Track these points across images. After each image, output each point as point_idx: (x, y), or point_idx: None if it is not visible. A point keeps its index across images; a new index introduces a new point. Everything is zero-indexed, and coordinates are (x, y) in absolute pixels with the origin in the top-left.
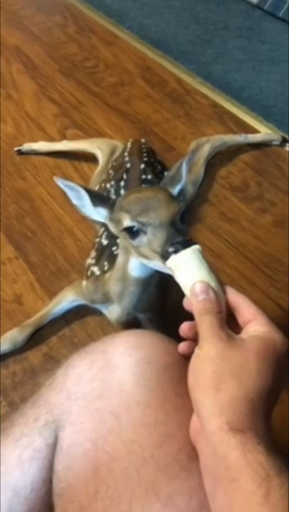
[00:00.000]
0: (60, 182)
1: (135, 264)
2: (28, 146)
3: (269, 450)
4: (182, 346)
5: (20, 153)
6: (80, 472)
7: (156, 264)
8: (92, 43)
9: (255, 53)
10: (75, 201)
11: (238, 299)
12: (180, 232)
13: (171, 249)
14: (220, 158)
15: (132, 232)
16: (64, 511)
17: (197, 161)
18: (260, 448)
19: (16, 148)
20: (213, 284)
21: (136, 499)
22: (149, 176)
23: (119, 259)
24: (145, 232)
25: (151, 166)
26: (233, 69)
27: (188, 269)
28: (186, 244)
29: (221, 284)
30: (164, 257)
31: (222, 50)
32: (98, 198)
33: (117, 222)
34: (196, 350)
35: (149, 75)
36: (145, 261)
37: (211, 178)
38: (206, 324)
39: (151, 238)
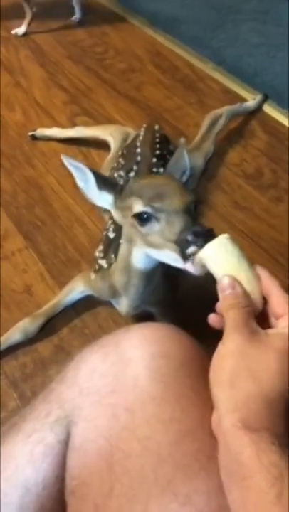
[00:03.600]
0: (66, 161)
1: (138, 255)
2: (41, 131)
3: (286, 450)
4: (212, 317)
5: (34, 138)
6: (94, 470)
7: (167, 254)
8: (101, 28)
9: (270, 37)
10: (80, 183)
11: (269, 286)
12: (196, 221)
13: (190, 238)
14: (232, 145)
15: (142, 219)
16: (77, 509)
17: (209, 135)
18: (275, 448)
19: (29, 133)
20: (242, 274)
21: (152, 498)
22: (161, 170)
23: (122, 250)
24: (158, 219)
25: (163, 159)
26: (247, 53)
27: (216, 262)
28: (208, 235)
29: (255, 267)
30: (181, 245)
31: (235, 34)
32: (104, 182)
33: (126, 208)
34: (219, 345)
35: (159, 61)
36: (153, 251)
37: (223, 166)
38: (230, 319)
39: (165, 226)
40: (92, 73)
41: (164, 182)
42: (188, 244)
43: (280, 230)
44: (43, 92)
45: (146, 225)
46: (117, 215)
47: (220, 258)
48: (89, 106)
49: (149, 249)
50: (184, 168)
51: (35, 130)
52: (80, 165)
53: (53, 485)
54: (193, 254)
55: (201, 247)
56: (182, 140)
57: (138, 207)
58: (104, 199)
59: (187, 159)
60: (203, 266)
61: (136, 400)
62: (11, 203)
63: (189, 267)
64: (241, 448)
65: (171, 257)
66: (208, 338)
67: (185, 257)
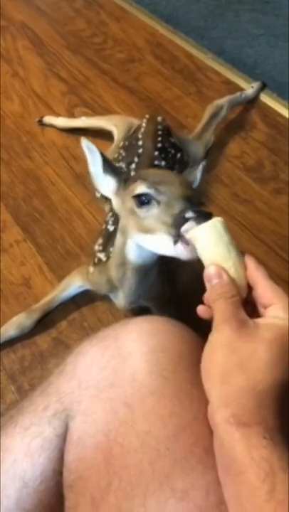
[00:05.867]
0: (85, 144)
1: (132, 248)
2: (48, 119)
3: (277, 444)
4: (200, 308)
5: (40, 124)
6: (92, 464)
7: (158, 239)
8: (100, 18)
9: (270, 28)
10: (92, 168)
11: (256, 275)
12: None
13: (189, 215)
14: (233, 137)
15: (142, 202)
16: (75, 504)
17: (210, 125)
18: (266, 442)
19: (37, 119)
20: (231, 260)
21: (150, 493)
22: (163, 163)
23: (117, 244)
24: (158, 202)
25: (165, 151)
26: (247, 44)
27: (206, 245)
28: (206, 215)
29: (243, 256)
30: (177, 224)
31: (235, 25)
32: (111, 167)
33: (128, 193)
34: (209, 337)
35: (159, 51)
36: (145, 237)
37: (224, 158)
38: (218, 310)
39: (164, 209)
40: (90, 63)
41: (169, 174)
42: (184, 221)
43: (279, 223)
44: (41, 83)
45: (145, 207)
46: (116, 202)
47: (210, 241)
48: (88, 96)
49: (141, 236)
50: (194, 180)
51: (36, 119)
52: (95, 148)
53: (51, 479)
54: (187, 232)
55: (198, 223)
56: (203, 163)
57: (141, 188)
58: (107, 184)
59: (200, 174)
60: (193, 247)
61: (135, 394)
62: (9, 194)
63: (179, 251)
64: (233, 443)
65: (162, 242)
66: (208, 331)
67: (176, 239)
